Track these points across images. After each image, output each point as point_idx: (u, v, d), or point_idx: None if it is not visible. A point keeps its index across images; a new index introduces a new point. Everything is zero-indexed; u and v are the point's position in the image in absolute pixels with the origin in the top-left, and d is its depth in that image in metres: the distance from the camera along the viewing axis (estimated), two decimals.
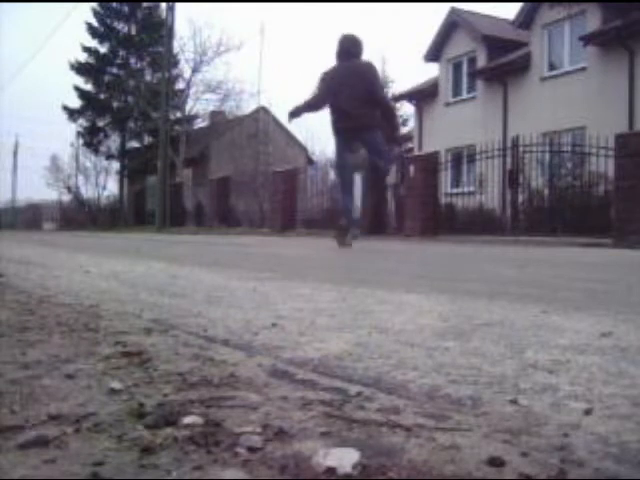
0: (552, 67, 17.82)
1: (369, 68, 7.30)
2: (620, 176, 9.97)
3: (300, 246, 7.08)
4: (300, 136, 34.90)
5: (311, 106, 7.46)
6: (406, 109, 30.05)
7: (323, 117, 7.57)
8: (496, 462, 0.72)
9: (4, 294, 2.36)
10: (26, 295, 2.34)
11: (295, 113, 7.50)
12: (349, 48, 7.23)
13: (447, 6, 20.96)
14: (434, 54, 21.43)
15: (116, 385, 1.05)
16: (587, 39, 15.86)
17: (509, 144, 13.59)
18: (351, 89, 7.10)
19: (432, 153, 14.75)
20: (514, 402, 0.97)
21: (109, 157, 37.24)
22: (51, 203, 39.71)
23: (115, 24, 35.45)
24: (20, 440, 0.79)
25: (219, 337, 1.52)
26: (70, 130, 58.26)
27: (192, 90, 32.07)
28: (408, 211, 13.93)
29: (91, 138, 36.28)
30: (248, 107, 33.17)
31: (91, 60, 35.34)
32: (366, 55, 7.47)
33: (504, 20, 20.33)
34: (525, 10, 18.12)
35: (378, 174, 7.67)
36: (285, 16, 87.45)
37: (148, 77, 34.72)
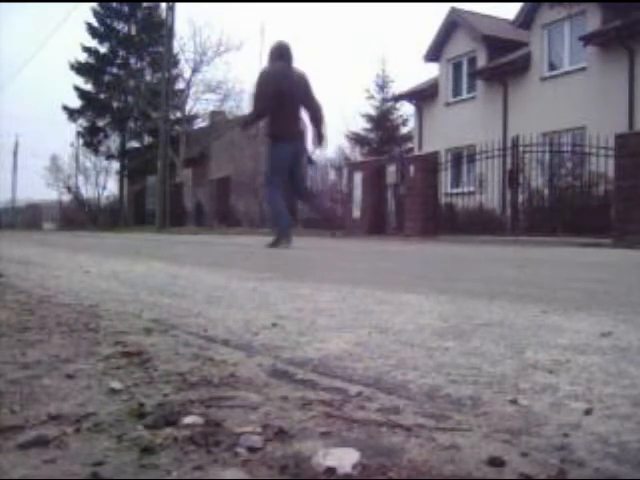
0: (552, 67, 17.81)
1: (304, 72, 7.25)
2: (620, 176, 9.98)
3: (300, 246, 7.07)
4: None
5: (263, 115, 7.28)
6: (406, 109, 30.06)
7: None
8: (496, 462, 0.72)
9: (4, 294, 2.36)
10: (26, 295, 2.33)
11: (249, 124, 8.09)
12: (284, 53, 7.14)
13: (447, 6, 21.00)
14: (434, 54, 21.43)
15: (116, 385, 1.05)
16: (587, 39, 15.86)
17: (509, 144, 13.59)
18: (297, 90, 7.06)
19: (432, 153, 14.77)
20: (514, 402, 0.97)
21: (109, 157, 37.24)
22: (51, 203, 39.77)
23: (115, 24, 35.45)
24: (20, 440, 0.79)
25: (219, 337, 1.52)
26: (70, 130, 58.35)
27: (192, 90, 32.10)
28: (408, 211, 13.94)
29: (91, 138, 36.28)
30: (248, 107, 33.15)
31: (91, 60, 35.34)
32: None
33: (504, 20, 20.32)
34: (525, 10, 18.12)
35: (293, 183, 7.33)
36: (285, 16, 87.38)
37: (148, 77, 34.72)
